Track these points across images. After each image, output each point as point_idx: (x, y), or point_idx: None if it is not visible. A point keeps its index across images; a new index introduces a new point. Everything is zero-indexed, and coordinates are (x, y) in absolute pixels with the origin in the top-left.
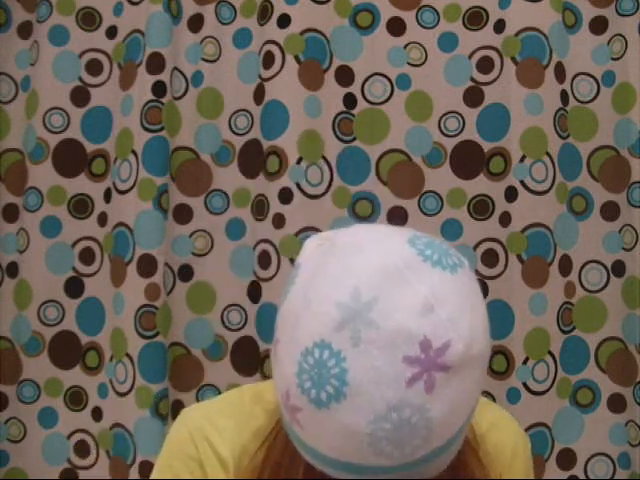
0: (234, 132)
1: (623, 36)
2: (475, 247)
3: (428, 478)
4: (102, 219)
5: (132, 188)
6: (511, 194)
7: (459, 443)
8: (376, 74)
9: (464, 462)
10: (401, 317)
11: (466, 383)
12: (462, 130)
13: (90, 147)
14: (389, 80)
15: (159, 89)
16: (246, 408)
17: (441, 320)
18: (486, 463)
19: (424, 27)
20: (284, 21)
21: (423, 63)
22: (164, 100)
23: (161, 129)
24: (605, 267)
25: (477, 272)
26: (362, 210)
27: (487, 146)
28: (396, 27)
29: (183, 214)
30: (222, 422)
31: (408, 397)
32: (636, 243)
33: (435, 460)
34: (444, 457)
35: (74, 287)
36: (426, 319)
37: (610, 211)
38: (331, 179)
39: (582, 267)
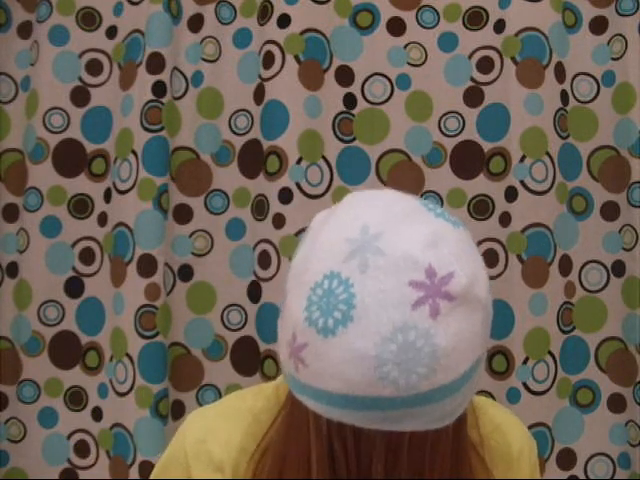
0: (234, 132)
1: (623, 36)
2: None
3: (433, 426)
4: (102, 219)
5: (132, 188)
6: (511, 194)
7: (465, 395)
8: (376, 74)
9: (469, 466)
10: (407, 246)
11: (469, 321)
12: (462, 130)
13: (90, 147)
14: (389, 80)
15: (159, 89)
16: (246, 411)
17: (444, 254)
18: (490, 467)
19: (424, 27)
20: (284, 21)
21: (423, 63)
22: (164, 100)
23: (161, 129)
24: (605, 267)
25: None
26: None
27: (487, 146)
28: (396, 27)
29: (183, 214)
30: (222, 428)
31: (413, 320)
32: (636, 243)
33: (441, 402)
34: (450, 401)
35: (74, 287)
36: (431, 251)
37: (610, 211)
38: (331, 179)
39: (582, 267)
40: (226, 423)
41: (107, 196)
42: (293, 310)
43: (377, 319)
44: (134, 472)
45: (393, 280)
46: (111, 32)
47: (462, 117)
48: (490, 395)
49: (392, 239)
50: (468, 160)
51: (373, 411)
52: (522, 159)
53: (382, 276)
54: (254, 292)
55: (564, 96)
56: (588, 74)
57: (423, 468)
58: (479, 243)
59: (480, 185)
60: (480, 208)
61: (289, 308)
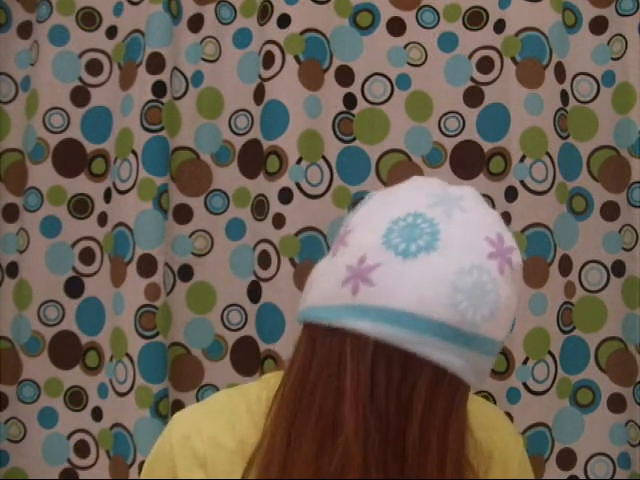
0: (234, 132)
1: (623, 36)
2: None
3: (468, 377)
4: (102, 219)
5: (132, 188)
6: (511, 194)
7: (490, 363)
8: (376, 74)
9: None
10: (484, 213)
11: (515, 296)
12: (462, 130)
13: (90, 147)
14: (389, 80)
15: (159, 89)
16: (235, 406)
17: (509, 233)
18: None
19: (424, 27)
20: (284, 21)
21: (423, 63)
22: (164, 100)
23: (161, 129)
24: (605, 267)
25: None
26: None
27: (487, 146)
28: (396, 27)
29: (183, 214)
30: (207, 424)
31: (487, 266)
32: (636, 243)
33: (484, 357)
34: (487, 361)
35: (74, 287)
36: (500, 225)
37: (610, 211)
38: (331, 179)
39: (582, 267)
40: (211, 420)
41: (107, 196)
42: (364, 238)
43: (459, 254)
44: (134, 472)
45: (473, 231)
46: (111, 32)
47: (462, 117)
48: (490, 395)
49: (472, 204)
50: (468, 160)
51: (434, 337)
52: (522, 159)
53: (465, 225)
54: (254, 292)
55: (564, 96)
56: (588, 74)
57: (448, 420)
58: None
59: (480, 185)
60: None
61: (356, 238)
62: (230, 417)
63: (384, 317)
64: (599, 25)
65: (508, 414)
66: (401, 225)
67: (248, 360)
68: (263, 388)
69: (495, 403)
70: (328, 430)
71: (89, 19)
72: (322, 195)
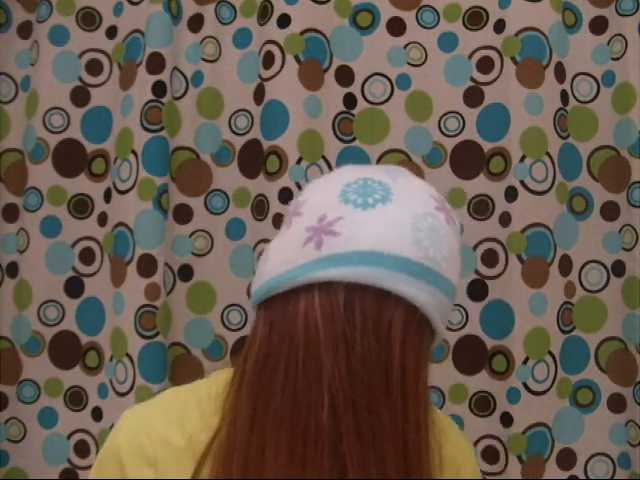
0: (234, 132)
1: (623, 36)
2: (475, 247)
3: (435, 315)
4: (102, 219)
5: (132, 188)
6: (511, 194)
7: (449, 307)
8: (376, 74)
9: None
10: (420, 181)
11: (459, 251)
12: (462, 130)
13: (90, 147)
14: (389, 80)
15: (159, 89)
16: (184, 403)
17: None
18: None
19: (424, 27)
20: (284, 21)
21: (423, 63)
22: (164, 100)
23: (161, 129)
24: (605, 267)
25: (477, 272)
26: None
27: (487, 146)
28: (396, 27)
29: (183, 214)
30: (154, 422)
31: (437, 215)
32: (636, 243)
33: (444, 295)
34: (447, 305)
35: (74, 287)
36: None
37: (610, 211)
38: None
39: (582, 267)
40: (159, 417)
41: (107, 196)
42: (320, 201)
43: (412, 203)
44: None
45: (419, 189)
46: (111, 32)
47: (462, 117)
48: (490, 395)
49: (411, 176)
50: (468, 160)
51: (402, 273)
52: (522, 159)
53: (410, 185)
54: None
55: (564, 96)
56: (588, 74)
57: (419, 364)
58: (479, 243)
59: (480, 185)
60: (480, 208)
61: (312, 204)
62: (179, 414)
63: (353, 260)
64: (599, 25)
65: (508, 414)
66: (354, 187)
67: None
68: (213, 384)
69: (495, 403)
70: (300, 405)
71: (89, 19)
72: None
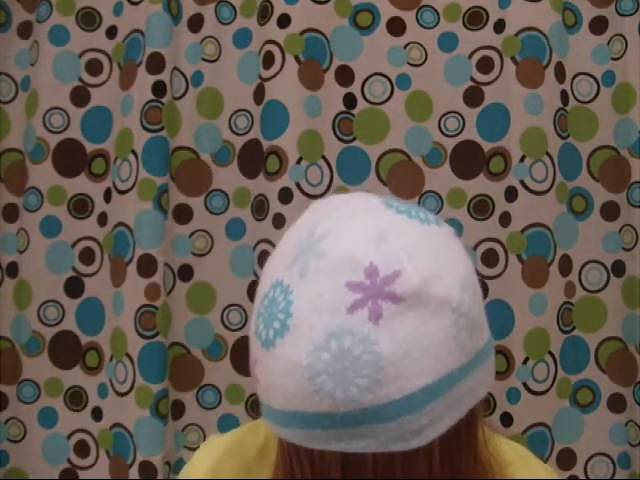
0: (234, 132)
1: (623, 36)
2: (475, 247)
3: (395, 448)
4: (102, 219)
5: (132, 188)
6: (511, 194)
7: (440, 413)
8: (376, 74)
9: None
10: (348, 244)
11: (428, 327)
12: (462, 130)
13: (90, 147)
14: (389, 80)
15: (159, 89)
16: (255, 448)
17: (393, 250)
18: None
19: (424, 27)
20: (284, 21)
21: (423, 63)
22: (164, 100)
23: (161, 129)
24: (605, 267)
25: (477, 272)
26: None
27: (487, 146)
28: (396, 27)
29: (183, 214)
30: (227, 468)
31: (349, 324)
32: (636, 243)
33: (396, 420)
34: (411, 420)
35: (74, 287)
36: (375, 247)
37: (610, 211)
38: (331, 179)
39: (582, 267)
40: (232, 461)
41: (107, 196)
42: (250, 325)
43: (310, 326)
44: (134, 472)
45: (329, 283)
46: (111, 32)
47: (462, 117)
48: (490, 395)
49: (335, 239)
50: (468, 160)
51: (315, 430)
52: (522, 159)
53: (320, 279)
54: (254, 292)
55: (564, 96)
56: (588, 74)
57: None
58: (479, 243)
59: (480, 185)
60: (480, 208)
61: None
62: (251, 459)
63: (269, 415)
64: (599, 25)
65: (508, 414)
66: (265, 304)
67: (248, 360)
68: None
69: (495, 403)
70: None
71: (89, 19)
72: (322, 195)
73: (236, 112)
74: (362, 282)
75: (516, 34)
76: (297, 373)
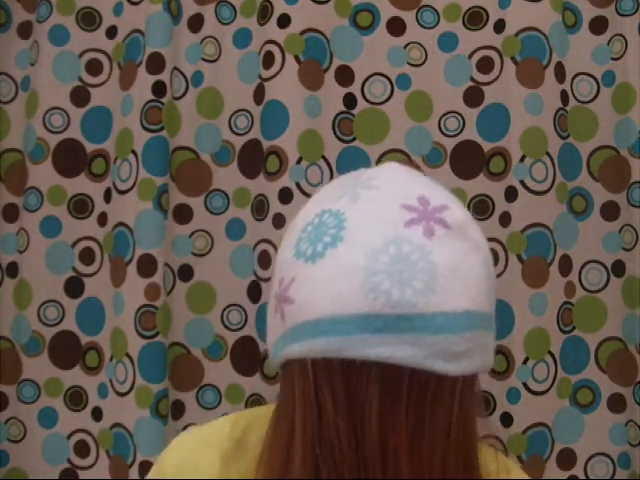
0: (234, 132)
1: (623, 36)
2: None
3: (434, 366)
4: (102, 219)
5: (132, 188)
6: (511, 194)
7: (471, 350)
8: (376, 74)
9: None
10: (400, 183)
11: (468, 259)
12: (462, 130)
13: (90, 147)
14: (389, 80)
15: (159, 89)
16: (230, 438)
17: (438, 191)
18: None
19: (424, 27)
20: (284, 21)
21: (423, 63)
22: (164, 100)
23: (161, 129)
24: (605, 267)
25: None
26: None
27: (487, 146)
28: (396, 27)
29: (183, 214)
30: (202, 456)
31: (407, 235)
32: (636, 243)
33: (441, 335)
34: (454, 340)
35: (74, 287)
36: (424, 186)
37: (610, 211)
38: (331, 179)
39: (582, 267)
40: (208, 450)
41: (107, 196)
42: (279, 259)
43: (367, 234)
44: (134, 472)
45: (384, 205)
46: (111, 32)
47: (462, 117)
48: (490, 395)
49: (386, 178)
50: (468, 160)
51: (364, 334)
52: (522, 159)
53: (373, 204)
54: (254, 292)
55: (564, 96)
56: (588, 74)
57: (423, 427)
58: None
59: (480, 185)
60: (480, 208)
61: (277, 258)
62: (227, 448)
63: (307, 332)
64: (599, 25)
65: (508, 414)
66: (309, 230)
67: (248, 360)
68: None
69: (495, 403)
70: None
71: (89, 19)
72: None
73: (236, 112)
74: (416, 206)
75: (516, 34)
76: (352, 274)
